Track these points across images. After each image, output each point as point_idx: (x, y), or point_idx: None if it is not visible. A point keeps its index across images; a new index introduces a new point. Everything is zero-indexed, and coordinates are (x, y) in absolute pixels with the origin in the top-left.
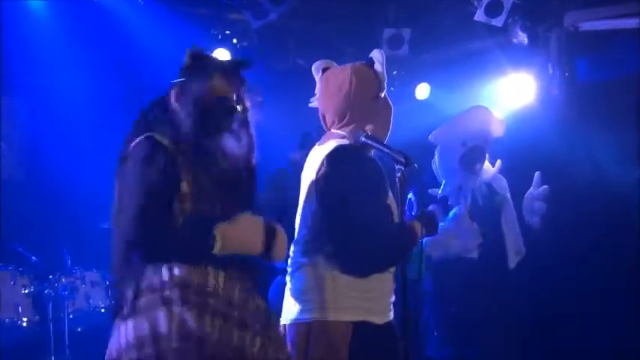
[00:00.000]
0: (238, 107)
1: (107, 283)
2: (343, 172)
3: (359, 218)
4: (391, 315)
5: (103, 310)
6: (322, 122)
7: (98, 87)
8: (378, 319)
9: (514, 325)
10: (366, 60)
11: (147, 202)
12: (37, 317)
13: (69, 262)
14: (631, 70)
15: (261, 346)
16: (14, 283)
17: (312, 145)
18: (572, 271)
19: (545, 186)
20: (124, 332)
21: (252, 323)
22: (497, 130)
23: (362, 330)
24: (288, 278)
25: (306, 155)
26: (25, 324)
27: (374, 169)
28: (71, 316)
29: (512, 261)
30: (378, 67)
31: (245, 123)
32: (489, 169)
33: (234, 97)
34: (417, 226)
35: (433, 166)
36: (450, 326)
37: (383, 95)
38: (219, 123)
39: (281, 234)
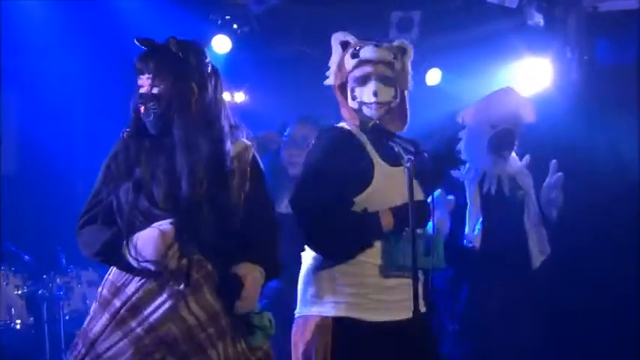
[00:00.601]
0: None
1: None
2: (311, 154)
3: (303, 200)
4: (395, 314)
5: None
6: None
7: (94, 79)
8: (367, 316)
9: (536, 322)
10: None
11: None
12: (31, 319)
13: (64, 260)
14: None
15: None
16: (7, 284)
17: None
18: (593, 263)
19: (560, 173)
20: None
21: (135, 324)
22: (529, 114)
23: (343, 326)
24: None
25: None
26: (18, 326)
27: (342, 157)
28: (67, 318)
29: (537, 259)
30: (406, 57)
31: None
32: (516, 161)
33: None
34: (383, 215)
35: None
36: (469, 321)
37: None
38: (145, 121)
39: (251, 285)
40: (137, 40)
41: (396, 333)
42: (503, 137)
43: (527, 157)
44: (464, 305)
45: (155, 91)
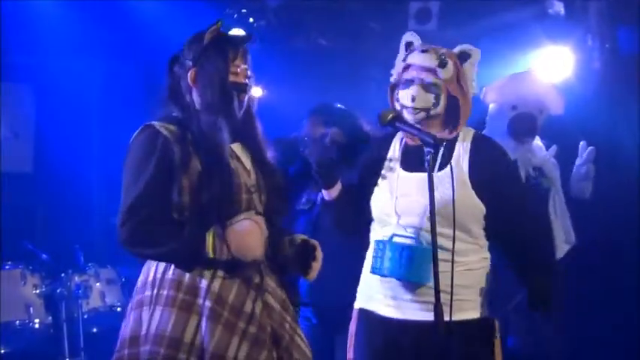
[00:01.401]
0: (251, 93)
1: (123, 280)
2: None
3: None
4: (404, 312)
5: (119, 310)
6: None
7: (109, 74)
8: (380, 310)
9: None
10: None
11: (137, 197)
12: (49, 318)
13: (82, 259)
14: None
15: (249, 352)
16: (24, 283)
17: None
18: (614, 257)
19: (592, 147)
20: (120, 332)
21: (244, 327)
22: (555, 103)
23: (362, 317)
24: None
25: None
26: (37, 326)
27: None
28: (86, 317)
29: (562, 250)
30: (469, 63)
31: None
32: (542, 150)
33: (248, 81)
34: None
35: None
36: None
37: None
38: (234, 111)
39: (320, 255)
40: (237, 30)
41: (410, 332)
42: (523, 121)
43: (554, 148)
44: None
45: (247, 82)
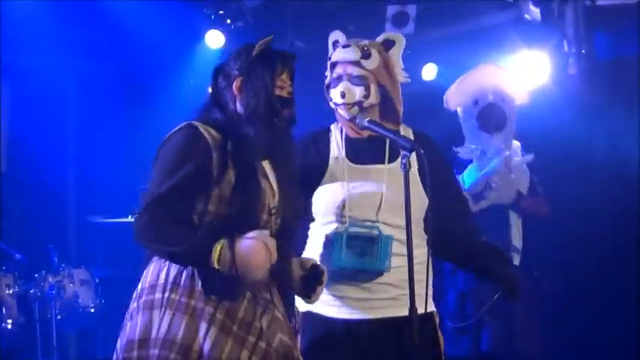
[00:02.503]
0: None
1: (96, 281)
2: None
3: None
4: (350, 312)
5: (92, 310)
6: None
7: (86, 72)
8: (324, 311)
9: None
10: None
11: (167, 191)
12: (22, 319)
13: (56, 259)
14: None
15: None
16: None
17: None
18: (588, 254)
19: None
20: (125, 330)
21: (253, 341)
22: (515, 90)
23: (306, 319)
24: None
25: None
26: (9, 326)
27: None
28: (59, 317)
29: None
30: (394, 50)
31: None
32: (517, 155)
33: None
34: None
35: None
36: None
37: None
38: (277, 125)
39: (325, 280)
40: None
41: (354, 331)
42: (488, 112)
43: (530, 155)
44: (461, 300)
45: (290, 97)
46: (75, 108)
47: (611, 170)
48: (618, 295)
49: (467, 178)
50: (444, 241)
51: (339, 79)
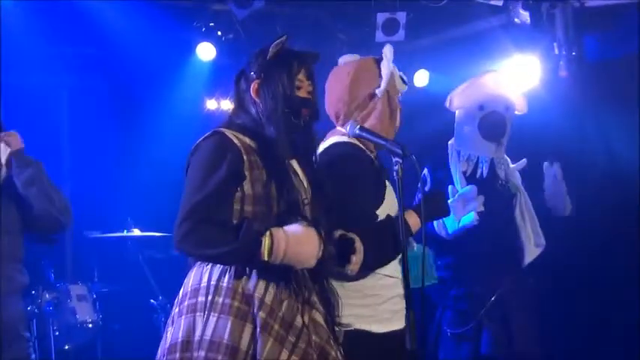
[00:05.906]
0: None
1: (94, 296)
2: (331, 170)
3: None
4: (399, 323)
5: (90, 326)
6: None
7: (79, 88)
8: (376, 328)
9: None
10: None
11: (204, 198)
12: None
13: (52, 276)
14: None
15: None
16: None
17: None
18: (583, 256)
19: (550, 166)
20: (166, 335)
21: (293, 341)
22: (519, 103)
23: (353, 338)
24: None
25: None
26: None
27: (363, 168)
28: (57, 333)
29: (531, 254)
30: (384, 64)
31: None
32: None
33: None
34: (409, 216)
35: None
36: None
37: (382, 93)
38: (297, 124)
39: (360, 247)
40: (303, 52)
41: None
42: (493, 121)
43: (523, 161)
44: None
45: (310, 97)
46: (68, 124)
47: (603, 172)
48: (618, 294)
49: (449, 225)
50: None
51: (397, 109)
